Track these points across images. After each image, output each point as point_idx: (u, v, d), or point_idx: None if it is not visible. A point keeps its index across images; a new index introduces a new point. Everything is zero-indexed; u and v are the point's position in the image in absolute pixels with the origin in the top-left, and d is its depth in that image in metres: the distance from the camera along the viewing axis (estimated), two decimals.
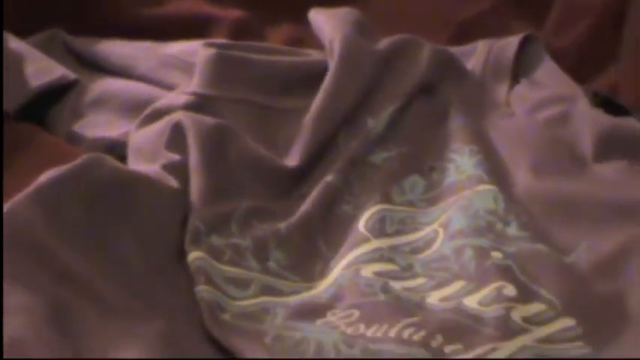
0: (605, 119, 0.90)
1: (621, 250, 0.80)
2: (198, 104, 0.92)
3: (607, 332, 0.75)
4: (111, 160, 0.82)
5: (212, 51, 0.96)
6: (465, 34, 1.10)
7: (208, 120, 0.89)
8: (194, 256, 0.80)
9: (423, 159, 0.91)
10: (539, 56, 1.02)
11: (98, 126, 1.01)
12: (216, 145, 0.87)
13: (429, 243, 0.84)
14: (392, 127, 0.93)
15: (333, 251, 0.84)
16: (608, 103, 0.93)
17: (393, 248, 0.83)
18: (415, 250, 0.84)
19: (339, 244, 0.84)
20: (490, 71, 1.01)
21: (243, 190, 0.86)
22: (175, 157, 0.86)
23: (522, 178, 0.88)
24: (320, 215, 0.86)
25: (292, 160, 0.90)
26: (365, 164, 0.91)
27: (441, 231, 0.84)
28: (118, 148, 0.95)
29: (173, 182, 0.84)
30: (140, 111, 0.96)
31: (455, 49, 1.04)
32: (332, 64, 0.95)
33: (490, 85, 1.00)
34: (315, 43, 1.04)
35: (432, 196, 0.88)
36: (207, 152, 0.86)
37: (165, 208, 0.82)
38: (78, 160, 0.80)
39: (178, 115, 0.89)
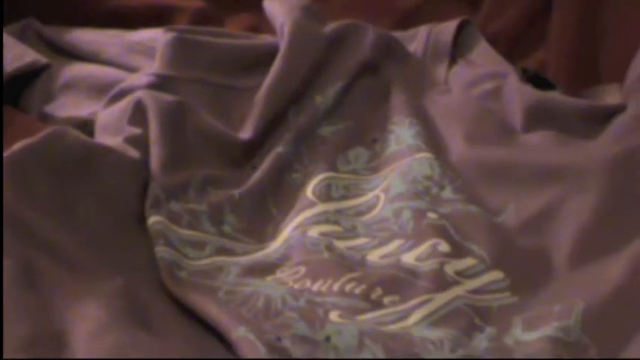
0: (532, 93, 0.91)
1: (546, 209, 0.81)
2: (159, 84, 0.93)
3: (532, 283, 0.77)
4: (74, 132, 0.83)
5: (171, 35, 0.96)
6: (408, 20, 1.10)
7: (167, 97, 0.89)
8: (153, 220, 0.80)
9: (367, 132, 0.92)
10: (475, 39, 1.03)
11: (68, 106, 1.01)
12: (174, 119, 0.87)
13: (371, 207, 0.85)
14: (338, 103, 0.94)
15: (284, 215, 0.85)
16: (536, 79, 0.94)
17: (338, 212, 0.84)
18: (358, 213, 0.84)
19: (289, 208, 0.85)
20: (430, 53, 1.02)
21: (199, 161, 0.87)
22: (137, 131, 0.87)
23: (457, 146, 0.88)
24: (271, 182, 0.87)
25: (245, 133, 0.90)
26: (313, 137, 0.91)
27: (382, 196, 0.85)
28: (86, 127, 0.95)
29: (134, 153, 0.84)
30: (107, 92, 0.97)
31: (398, 34, 1.04)
32: (282, 46, 0.95)
33: (430, 65, 1.01)
34: (271, 30, 1.04)
35: (374, 165, 0.89)
36: (166, 126, 0.86)
37: (126, 176, 0.82)
38: (44, 133, 0.80)
39: (140, 94, 0.89)
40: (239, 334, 0.68)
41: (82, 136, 0.84)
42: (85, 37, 1.08)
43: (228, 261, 0.80)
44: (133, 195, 0.82)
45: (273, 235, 0.83)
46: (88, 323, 0.67)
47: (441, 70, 1.00)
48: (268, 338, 0.68)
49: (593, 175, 0.81)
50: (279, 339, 0.68)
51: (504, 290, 0.76)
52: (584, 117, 0.88)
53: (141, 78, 0.95)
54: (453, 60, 1.01)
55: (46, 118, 1.00)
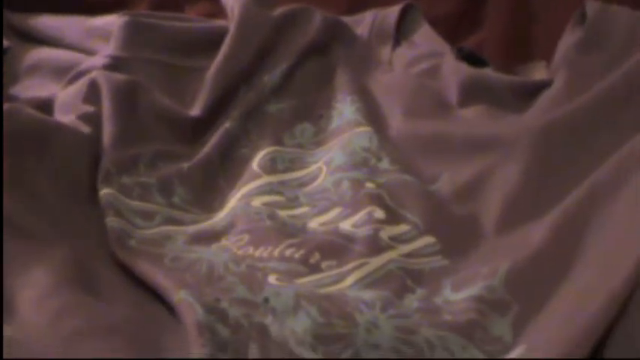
0: (467, 70, 0.90)
1: (477, 178, 0.81)
2: (114, 65, 0.91)
3: (462, 247, 0.76)
4: (28, 110, 0.81)
5: (125, 18, 0.95)
6: (356, 6, 1.09)
7: (120, 77, 0.88)
8: (104, 192, 0.79)
9: (313, 108, 0.91)
10: (418, 22, 1.01)
11: (32, 88, 0.99)
12: (126, 97, 0.86)
13: (313, 178, 0.84)
14: (285, 82, 0.93)
15: (231, 187, 0.84)
16: (470, 58, 0.93)
17: (282, 183, 0.83)
18: (301, 185, 0.83)
19: (236, 180, 0.84)
20: (375, 36, 1.00)
21: (150, 137, 0.86)
22: (90, 108, 0.85)
23: (395, 121, 0.88)
24: (219, 156, 0.86)
25: (195, 110, 0.89)
26: (261, 113, 0.90)
27: (324, 168, 0.84)
28: (48, 107, 0.93)
29: (86, 129, 0.83)
30: (68, 74, 0.95)
31: (346, 19, 1.03)
32: (231, 28, 0.94)
33: (375, 47, 0.99)
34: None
35: (319, 139, 0.88)
36: (118, 103, 0.85)
37: (78, 151, 0.81)
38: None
39: (94, 74, 0.88)
40: (179, 297, 0.67)
41: (36, 113, 0.82)
42: (48, 23, 1.06)
43: (176, 230, 0.79)
44: (86, 169, 0.81)
45: (220, 206, 0.82)
46: (35, 289, 0.67)
47: (385, 52, 0.99)
48: (207, 300, 0.67)
49: (520, 145, 0.81)
50: (217, 300, 0.67)
51: (436, 254, 0.75)
52: (514, 92, 0.87)
53: (97, 60, 0.93)
54: (396, 42, 1.00)
55: (11, 100, 0.98)
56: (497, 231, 0.77)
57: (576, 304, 0.69)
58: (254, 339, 0.65)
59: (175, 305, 0.67)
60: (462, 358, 0.66)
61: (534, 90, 0.86)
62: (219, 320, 0.66)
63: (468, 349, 0.68)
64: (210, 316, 0.65)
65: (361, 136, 0.85)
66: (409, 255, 0.75)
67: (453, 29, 1.02)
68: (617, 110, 0.81)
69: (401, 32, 1.01)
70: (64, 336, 0.64)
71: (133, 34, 0.94)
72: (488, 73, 0.90)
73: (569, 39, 0.88)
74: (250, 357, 0.64)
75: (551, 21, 0.95)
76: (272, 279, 0.72)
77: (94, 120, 0.84)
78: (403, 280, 0.73)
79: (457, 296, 0.71)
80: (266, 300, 0.69)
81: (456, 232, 0.77)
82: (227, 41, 0.93)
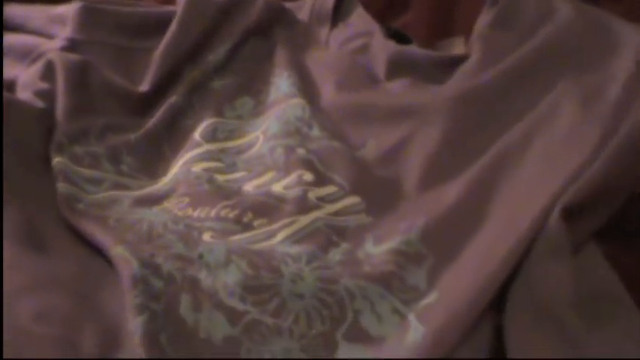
0: (394, 47, 0.88)
1: (399, 143, 0.79)
2: (70, 47, 0.90)
3: (385, 205, 0.75)
4: None
5: (79, 4, 0.92)
6: None
7: (73, 56, 0.87)
8: (56, 160, 0.78)
9: (253, 84, 0.89)
10: (354, 5, 0.99)
11: None
12: (78, 75, 0.84)
13: (250, 146, 0.82)
14: (228, 61, 0.90)
15: (175, 155, 0.82)
16: (397, 36, 0.91)
17: (221, 150, 0.82)
18: (239, 152, 0.82)
19: (180, 149, 0.83)
20: (314, 18, 0.98)
21: (101, 110, 0.84)
22: (45, 85, 0.84)
23: (327, 93, 0.86)
24: (165, 128, 0.84)
25: (144, 86, 0.87)
26: (205, 89, 0.88)
27: (261, 136, 0.82)
28: (12, 87, 0.91)
29: (41, 104, 0.81)
30: (30, 57, 0.93)
31: (288, 4, 1.01)
32: (178, 11, 0.92)
33: (314, 29, 0.97)
34: None
35: (257, 111, 0.87)
36: (71, 80, 0.83)
37: (32, 123, 0.80)
38: None
39: (50, 55, 0.86)
40: (117, 252, 0.66)
41: None
42: (13, 11, 1.04)
43: (123, 194, 0.77)
44: (39, 140, 0.79)
45: (164, 172, 0.81)
46: None
47: (323, 33, 0.97)
48: (142, 255, 0.66)
49: (438, 112, 0.79)
50: (152, 256, 0.66)
51: (360, 212, 0.74)
52: (435, 65, 0.85)
53: (55, 43, 0.91)
54: (334, 24, 0.98)
55: None
56: (417, 190, 0.76)
57: (484, 255, 0.68)
58: (186, 290, 0.64)
59: (113, 259, 0.66)
60: None
61: (453, 63, 0.84)
62: (153, 273, 0.64)
63: (386, 298, 0.67)
64: (144, 269, 0.64)
65: (295, 107, 0.83)
66: (335, 213, 0.74)
67: (384, 11, 1.01)
68: (526, 81, 0.80)
69: (338, 15, 1.00)
70: (8, 290, 0.62)
71: (87, 18, 0.92)
72: (413, 49, 0.88)
73: (484, 18, 0.87)
74: (182, 307, 0.63)
75: (470, 3, 0.94)
76: (207, 236, 0.70)
77: (48, 96, 0.83)
78: (329, 236, 0.71)
79: (377, 250, 0.70)
80: (200, 255, 0.68)
81: (380, 193, 0.76)
82: (174, 23, 0.91)
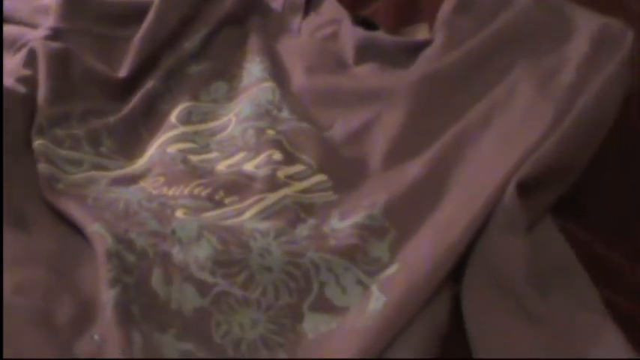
0: (362, 33, 0.87)
1: (365, 124, 0.79)
2: (53, 36, 0.88)
3: (350, 183, 0.75)
4: None
5: None
6: None
7: (55, 44, 0.85)
8: (37, 142, 0.77)
9: (227, 69, 0.88)
10: None
11: None
12: (59, 61, 0.83)
13: (223, 128, 0.82)
14: (203, 48, 0.89)
15: (152, 137, 0.81)
16: (365, 23, 0.90)
17: (196, 133, 0.81)
18: (213, 134, 0.81)
19: (156, 132, 0.82)
20: (288, 8, 0.97)
21: (81, 96, 0.83)
22: (28, 72, 0.82)
23: (297, 77, 0.85)
24: (142, 111, 0.83)
25: (122, 72, 0.86)
26: (181, 74, 0.87)
27: (233, 119, 0.82)
28: None
29: (23, 90, 0.80)
30: (16, 45, 0.92)
31: None
32: (156, 0, 0.91)
33: (287, 17, 0.96)
34: None
35: (230, 96, 0.86)
36: (52, 67, 0.82)
37: (14, 108, 0.78)
38: None
39: (32, 43, 0.85)
40: (93, 228, 0.66)
41: None
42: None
43: (101, 175, 0.76)
44: (21, 124, 0.78)
45: (141, 154, 0.80)
46: None
47: (295, 21, 0.96)
48: (117, 231, 0.65)
49: (402, 94, 0.79)
50: (126, 232, 0.65)
51: (327, 190, 0.74)
52: (401, 50, 0.85)
53: (39, 32, 0.90)
54: (306, 13, 0.97)
55: None
56: (381, 169, 0.75)
57: (443, 228, 0.68)
58: (158, 264, 0.64)
59: (89, 236, 0.65)
60: None
61: (418, 48, 0.84)
62: (126, 248, 0.64)
63: (350, 270, 0.67)
64: (118, 244, 0.64)
65: (266, 90, 0.82)
66: (303, 191, 0.73)
67: (354, 0, 1.00)
68: (485, 64, 0.80)
69: (310, 4, 0.99)
70: None
71: (69, 8, 0.90)
72: (380, 35, 0.88)
73: (447, 5, 0.86)
74: (154, 280, 0.63)
75: None
76: (179, 213, 0.70)
77: (30, 82, 0.81)
78: (296, 212, 0.71)
79: (342, 224, 0.70)
80: (173, 231, 0.67)
81: (346, 171, 0.75)
82: (151, 12, 0.89)
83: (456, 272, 0.67)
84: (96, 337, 0.59)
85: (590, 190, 0.76)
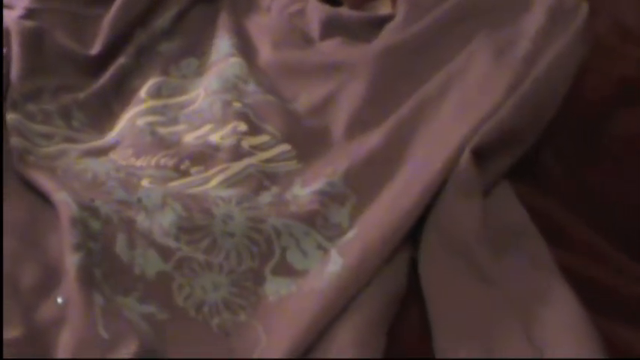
0: (327, 9, 0.85)
1: (328, 96, 0.78)
2: (27, 15, 0.86)
3: (313, 153, 0.73)
4: None
5: None
6: None
7: (28, 23, 0.83)
8: (10, 117, 0.75)
9: (197, 46, 0.87)
10: None
11: None
12: (32, 39, 0.81)
13: (192, 101, 0.80)
14: (175, 26, 0.87)
15: (123, 111, 0.80)
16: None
17: (165, 106, 0.80)
18: (182, 107, 0.80)
19: (127, 106, 0.80)
20: None
21: (54, 72, 0.81)
22: (3, 49, 0.81)
23: (264, 52, 0.84)
24: (113, 86, 0.82)
25: (95, 49, 0.84)
26: (152, 51, 0.85)
27: (202, 92, 0.80)
28: None
29: None
30: None
31: None
32: None
33: None
34: None
35: (200, 71, 0.84)
36: (25, 44, 0.81)
37: None
38: None
39: (7, 22, 0.83)
40: (59, 197, 0.65)
41: None
42: None
43: (72, 147, 0.75)
44: None
45: (111, 127, 0.78)
46: None
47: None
48: (82, 200, 0.64)
49: (364, 67, 0.78)
50: (92, 200, 0.64)
51: (291, 159, 0.73)
52: (364, 25, 0.83)
53: (15, 12, 0.87)
54: None
55: None
56: (343, 138, 0.74)
57: (399, 194, 0.67)
58: (122, 230, 0.63)
59: (56, 204, 0.64)
60: None
61: (380, 23, 0.82)
62: (92, 215, 0.63)
63: (310, 234, 0.66)
64: (83, 212, 0.63)
65: (233, 65, 0.81)
66: (267, 160, 0.72)
67: None
68: (444, 36, 0.78)
69: None
70: None
71: None
72: (344, 11, 0.86)
73: None
74: (118, 246, 0.62)
75: None
76: (145, 182, 0.69)
77: (4, 59, 0.79)
78: (260, 180, 0.70)
79: (304, 191, 0.69)
80: (139, 200, 0.66)
81: (309, 141, 0.74)
82: None
83: (414, 236, 0.67)
84: (59, 299, 0.58)
85: (547, 157, 0.75)
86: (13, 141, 0.72)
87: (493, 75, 0.72)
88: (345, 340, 0.59)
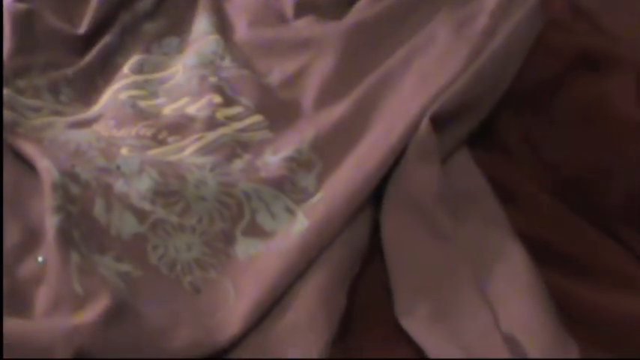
0: None
1: (300, 70, 0.77)
2: None
3: (285, 123, 0.73)
4: None
5: None
6: None
7: (21, 5, 0.82)
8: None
9: (179, 25, 0.86)
10: None
11: None
12: (24, 20, 0.81)
13: (171, 77, 0.79)
14: (158, 7, 0.87)
15: (107, 86, 0.79)
16: None
17: (146, 81, 0.79)
18: (162, 82, 0.79)
19: (111, 82, 0.79)
20: None
21: (44, 51, 0.80)
22: None
23: (241, 30, 0.83)
24: (99, 63, 0.81)
25: (81, 29, 0.83)
26: (136, 31, 0.85)
27: (181, 69, 0.79)
28: None
29: None
30: None
31: None
32: None
33: None
34: None
35: (180, 48, 0.83)
36: (17, 25, 0.80)
37: None
38: None
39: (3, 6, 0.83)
40: (42, 164, 0.64)
41: None
42: None
43: (58, 120, 0.74)
44: None
45: (96, 101, 0.78)
46: None
47: None
48: (64, 166, 0.63)
49: (333, 43, 0.77)
50: (73, 166, 0.64)
51: (263, 129, 0.72)
52: (336, 4, 0.82)
53: None
54: None
55: None
56: (312, 109, 0.73)
57: (362, 159, 0.66)
58: (100, 195, 0.62)
59: (39, 171, 0.64)
60: None
61: (350, 1, 0.81)
62: (72, 181, 0.62)
63: (279, 198, 0.65)
64: (64, 177, 0.62)
65: (211, 42, 0.80)
66: (241, 130, 0.71)
67: None
68: (409, 13, 0.77)
69: None
70: None
71: None
72: None
73: None
74: (96, 209, 0.61)
75: None
76: (124, 151, 0.68)
77: None
78: (233, 148, 0.69)
79: (274, 158, 0.68)
80: (118, 167, 0.66)
81: (281, 112, 0.73)
82: None
83: (377, 198, 0.66)
84: (40, 258, 0.57)
85: (503, 125, 0.74)
86: (5, 115, 0.71)
87: (452, 48, 0.72)
88: (309, 296, 0.58)
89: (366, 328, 0.59)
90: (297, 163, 0.67)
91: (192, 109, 0.73)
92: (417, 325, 0.58)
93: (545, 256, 0.63)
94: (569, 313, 0.59)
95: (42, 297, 0.54)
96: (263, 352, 0.55)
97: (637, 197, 0.68)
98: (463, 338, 0.56)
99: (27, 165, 0.67)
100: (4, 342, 0.49)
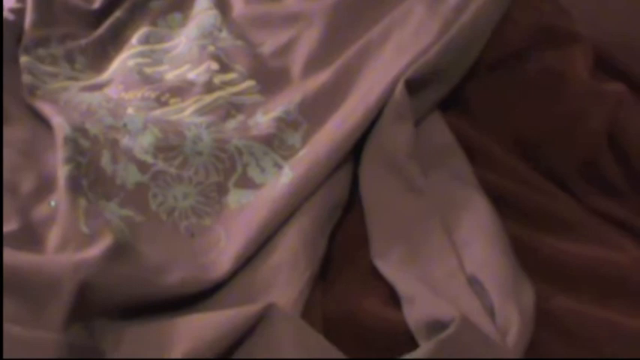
0: None
1: (290, 41, 0.76)
2: None
3: (274, 88, 0.72)
4: None
5: None
6: None
7: None
8: (23, 59, 0.75)
9: (183, 3, 0.84)
10: None
11: None
12: None
13: (175, 47, 0.79)
14: None
15: (117, 55, 0.78)
16: None
17: (152, 51, 0.78)
18: (166, 52, 0.78)
19: (120, 51, 0.79)
20: None
21: (61, 23, 0.80)
22: (19, 5, 0.80)
23: (238, 6, 0.82)
24: (110, 35, 0.81)
25: (96, 4, 0.83)
26: (144, 7, 0.84)
27: (184, 40, 0.79)
28: None
29: (12, 17, 0.78)
30: None
31: None
32: None
33: None
34: None
35: (184, 22, 0.82)
36: (38, 1, 0.79)
37: (7, 32, 0.76)
38: None
39: None
40: (56, 121, 0.64)
41: None
42: None
43: (73, 84, 0.74)
44: (11, 44, 0.76)
45: (107, 68, 0.77)
46: None
47: None
48: (75, 122, 0.63)
49: (319, 16, 0.75)
50: (83, 122, 0.63)
51: (255, 93, 0.71)
52: None
53: None
54: None
55: None
56: (300, 76, 0.72)
57: (344, 119, 0.66)
58: (107, 148, 0.62)
59: (54, 126, 0.64)
60: None
61: None
62: (82, 136, 0.62)
63: (268, 154, 0.65)
64: (75, 132, 0.62)
65: (210, 16, 0.79)
66: (235, 94, 0.71)
67: None
68: None
69: None
70: None
71: None
72: None
73: None
74: (103, 160, 0.61)
75: None
76: (130, 110, 0.68)
77: (19, 12, 0.79)
78: (228, 109, 0.69)
79: (264, 118, 0.68)
80: (124, 125, 0.65)
81: (271, 78, 0.73)
82: None
83: (357, 154, 0.65)
84: (52, 203, 0.57)
85: (472, 91, 0.73)
86: (25, 78, 0.72)
87: (426, 22, 0.70)
88: (292, 239, 0.58)
89: (344, 268, 0.59)
90: (285, 123, 0.66)
91: (192, 75, 0.72)
92: (390, 267, 0.57)
93: (506, 207, 0.62)
94: (527, 259, 0.59)
95: (53, 236, 0.54)
96: (249, 289, 0.55)
97: (592, 161, 0.68)
98: (431, 279, 0.56)
99: (44, 123, 0.67)
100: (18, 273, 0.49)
